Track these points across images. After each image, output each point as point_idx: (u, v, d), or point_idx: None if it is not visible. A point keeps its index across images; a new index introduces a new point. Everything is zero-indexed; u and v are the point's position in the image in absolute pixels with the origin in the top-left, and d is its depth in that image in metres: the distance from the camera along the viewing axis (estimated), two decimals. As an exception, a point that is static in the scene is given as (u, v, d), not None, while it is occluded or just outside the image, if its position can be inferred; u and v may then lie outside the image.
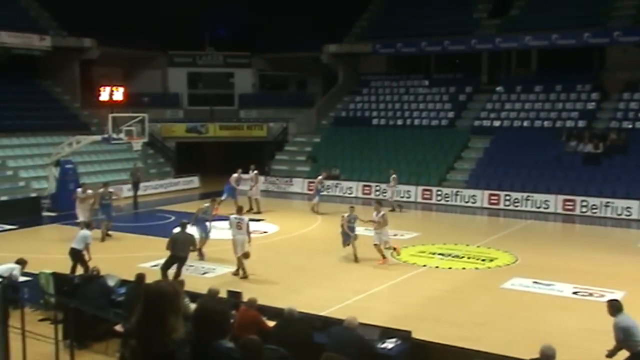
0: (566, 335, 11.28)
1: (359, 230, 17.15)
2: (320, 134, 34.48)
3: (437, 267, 16.74)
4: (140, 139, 25.47)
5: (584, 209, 24.44)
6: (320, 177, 25.60)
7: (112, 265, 13.91)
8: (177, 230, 15.55)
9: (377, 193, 27.02)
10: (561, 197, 24.93)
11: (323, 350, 6.52)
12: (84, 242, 14.41)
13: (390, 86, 36.41)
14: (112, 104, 27.65)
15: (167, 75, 38.31)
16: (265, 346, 5.93)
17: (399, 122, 33.58)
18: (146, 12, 33.78)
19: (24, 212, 22.80)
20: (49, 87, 33.77)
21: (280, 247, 18.98)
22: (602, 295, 13.39)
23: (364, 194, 28.41)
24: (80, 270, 13.89)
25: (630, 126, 27.93)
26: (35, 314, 11.35)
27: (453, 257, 17.71)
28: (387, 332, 9.39)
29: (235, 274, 15.32)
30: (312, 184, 26.64)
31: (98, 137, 25.83)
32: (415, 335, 9.39)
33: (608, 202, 24.02)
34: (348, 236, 16.82)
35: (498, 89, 33.26)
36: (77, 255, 14.27)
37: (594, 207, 24.27)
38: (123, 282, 11.58)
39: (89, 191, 20.43)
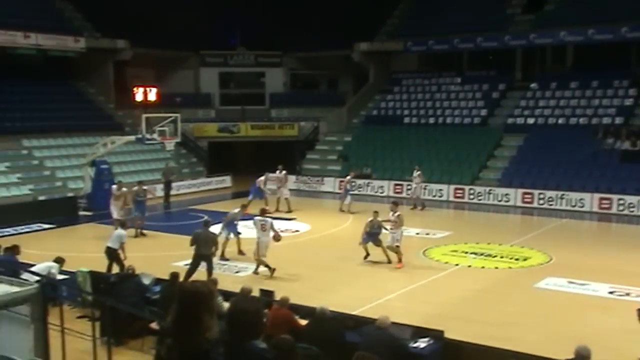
0: (602, 335, 11.10)
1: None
2: (352, 132, 34.41)
3: (469, 266, 16.60)
4: (173, 139, 25.69)
5: (621, 207, 23.97)
6: (348, 177, 25.57)
7: (146, 263, 14.12)
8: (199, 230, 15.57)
9: (409, 192, 26.85)
10: (597, 196, 24.50)
11: (355, 349, 6.53)
12: (119, 242, 14.67)
13: (422, 84, 36.11)
14: (145, 105, 28.04)
15: (199, 75, 38.62)
16: (298, 345, 5.97)
17: (431, 120, 33.32)
18: (178, 12, 34.12)
19: (61, 212, 23.30)
20: (84, 88, 34.30)
21: (312, 246, 19.04)
22: (640, 296, 13.13)
23: (395, 192, 28.28)
24: (116, 269, 14.16)
25: (669, 122, 27.40)
26: (74, 312, 11.52)
27: (486, 256, 17.52)
28: (419, 332, 9.35)
29: (256, 273, 15.31)
30: (342, 184, 26.63)
31: (132, 138, 26.16)
32: (448, 334, 9.34)
33: (646, 201, 23.53)
34: (368, 239, 16.49)
35: (532, 85, 32.73)
36: (112, 254, 14.55)
37: (631, 205, 23.79)
38: (157, 281, 11.75)
39: (124, 189, 20.78)
